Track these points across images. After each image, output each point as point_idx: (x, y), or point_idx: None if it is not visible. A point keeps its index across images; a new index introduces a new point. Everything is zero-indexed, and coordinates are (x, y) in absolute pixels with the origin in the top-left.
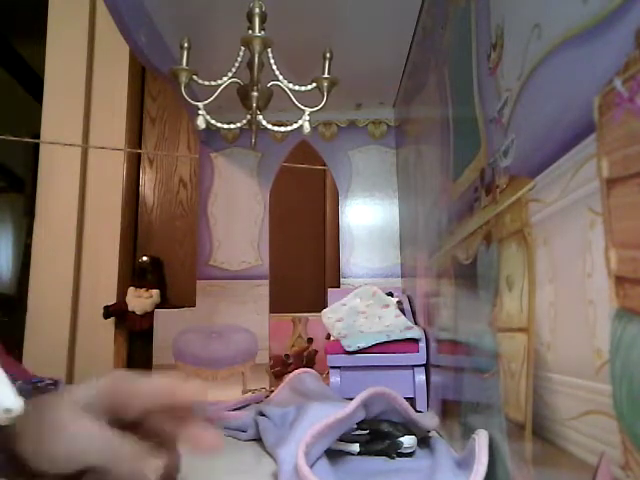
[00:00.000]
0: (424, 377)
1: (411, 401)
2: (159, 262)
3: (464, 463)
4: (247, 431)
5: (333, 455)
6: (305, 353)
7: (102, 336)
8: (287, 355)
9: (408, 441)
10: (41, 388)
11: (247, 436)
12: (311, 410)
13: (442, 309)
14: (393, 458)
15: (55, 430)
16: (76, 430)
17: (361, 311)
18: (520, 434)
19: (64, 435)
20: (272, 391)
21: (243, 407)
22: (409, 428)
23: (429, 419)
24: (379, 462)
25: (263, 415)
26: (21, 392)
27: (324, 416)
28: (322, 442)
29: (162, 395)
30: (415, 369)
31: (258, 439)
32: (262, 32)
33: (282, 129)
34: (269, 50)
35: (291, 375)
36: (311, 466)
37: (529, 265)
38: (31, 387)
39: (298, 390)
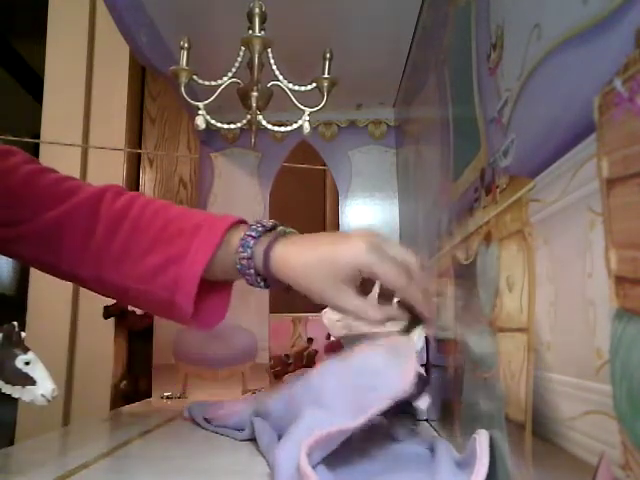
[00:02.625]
0: None
1: None
2: None
3: (465, 463)
4: (244, 430)
5: (332, 460)
6: (305, 353)
7: (102, 336)
8: (287, 355)
9: (423, 403)
10: None
11: (243, 436)
12: (307, 415)
13: (442, 309)
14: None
15: None
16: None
17: None
18: (520, 434)
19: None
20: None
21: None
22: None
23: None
24: (379, 464)
25: (260, 416)
26: None
27: (321, 420)
28: (323, 448)
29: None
30: None
31: (254, 439)
32: (262, 32)
33: (282, 129)
34: (269, 50)
35: (287, 376)
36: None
37: (529, 265)
38: None
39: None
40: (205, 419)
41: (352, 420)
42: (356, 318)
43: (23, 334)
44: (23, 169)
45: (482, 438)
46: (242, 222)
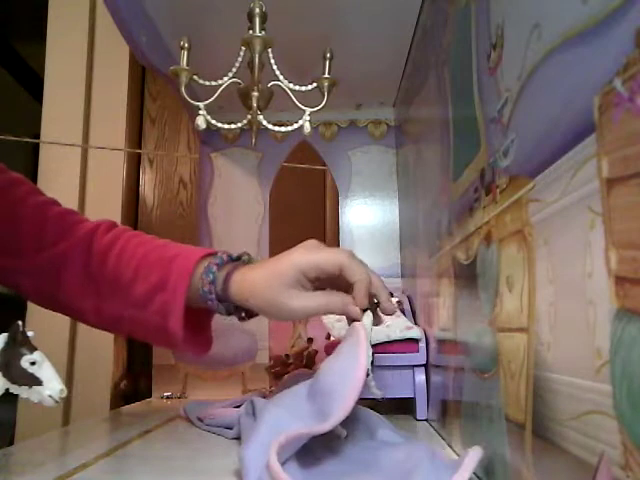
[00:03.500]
0: (424, 377)
1: (411, 401)
2: None
3: (446, 469)
4: (233, 429)
5: (303, 458)
6: (305, 353)
7: (102, 336)
8: (287, 355)
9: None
10: None
11: (233, 434)
12: (271, 415)
13: (442, 309)
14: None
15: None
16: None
17: None
18: (520, 434)
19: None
20: (271, 391)
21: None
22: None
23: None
24: (352, 463)
25: (249, 415)
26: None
27: (286, 420)
28: (291, 448)
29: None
30: (415, 369)
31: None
32: (262, 32)
33: (282, 129)
34: (269, 50)
35: (286, 376)
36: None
37: (529, 265)
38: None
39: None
40: (198, 418)
41: (320, 423)
42: (326, 313)
43: (30, 333)
44: (32, 200)
45: (474, 452)
46: (215, 253)
